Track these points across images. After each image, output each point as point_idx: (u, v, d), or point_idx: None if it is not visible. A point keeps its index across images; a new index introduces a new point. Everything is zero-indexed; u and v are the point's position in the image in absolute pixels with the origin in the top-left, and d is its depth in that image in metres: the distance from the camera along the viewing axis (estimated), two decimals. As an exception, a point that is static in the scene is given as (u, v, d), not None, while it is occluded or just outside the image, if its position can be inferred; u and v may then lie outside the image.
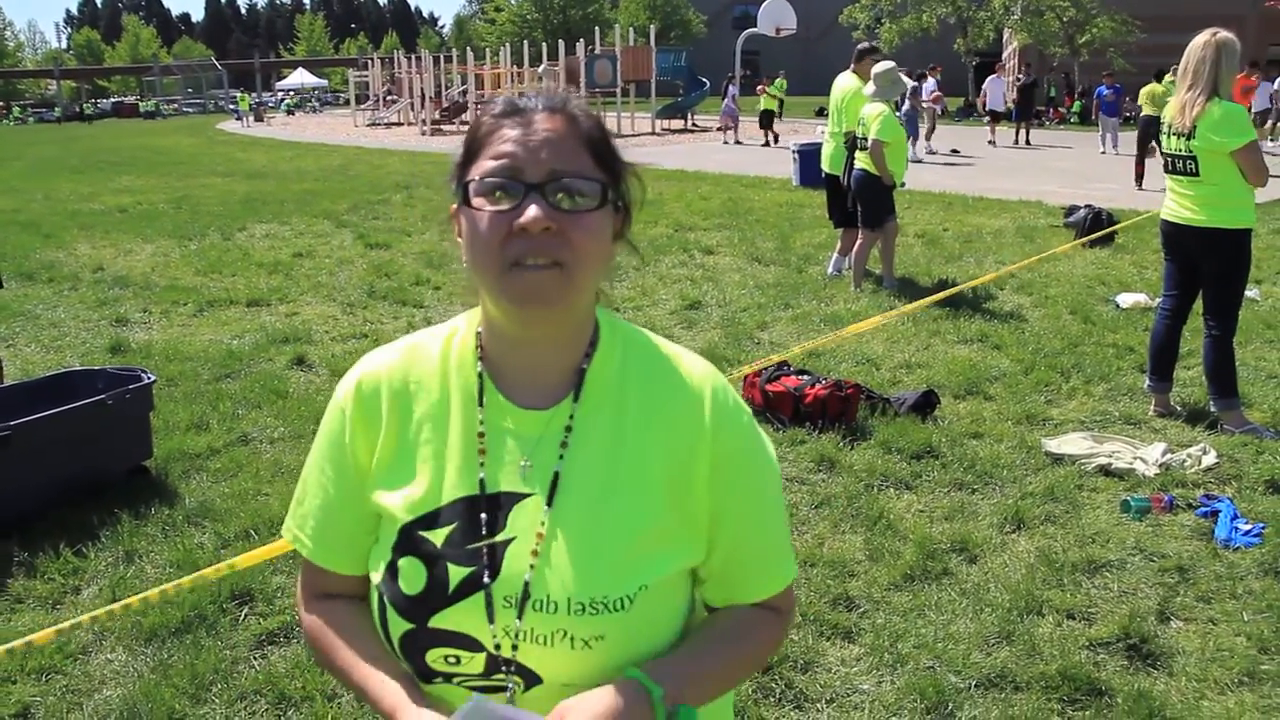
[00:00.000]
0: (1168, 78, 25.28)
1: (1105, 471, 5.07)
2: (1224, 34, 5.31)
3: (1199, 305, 5.75)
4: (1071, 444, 5.37)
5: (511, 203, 1.17)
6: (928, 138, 24.36)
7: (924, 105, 23.93)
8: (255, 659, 3.52)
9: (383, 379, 1.31)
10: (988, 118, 28.70)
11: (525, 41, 38.73)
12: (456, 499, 1.25)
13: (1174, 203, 5.62)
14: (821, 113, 34.59)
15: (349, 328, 7.96)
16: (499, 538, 1.23)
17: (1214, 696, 3.29)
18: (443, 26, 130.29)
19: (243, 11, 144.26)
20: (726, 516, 1.28)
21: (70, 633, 3.50)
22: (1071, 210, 12.63)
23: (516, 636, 1.20)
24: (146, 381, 4.95)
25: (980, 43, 46.70)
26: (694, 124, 36.77)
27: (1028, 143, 27.06)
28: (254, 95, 59.30)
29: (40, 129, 52.88)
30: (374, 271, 10.08)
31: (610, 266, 1.28)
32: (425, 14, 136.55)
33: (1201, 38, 5.34)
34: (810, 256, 10.83)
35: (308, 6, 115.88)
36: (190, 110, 66.13)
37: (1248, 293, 5.67)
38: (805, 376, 6.02)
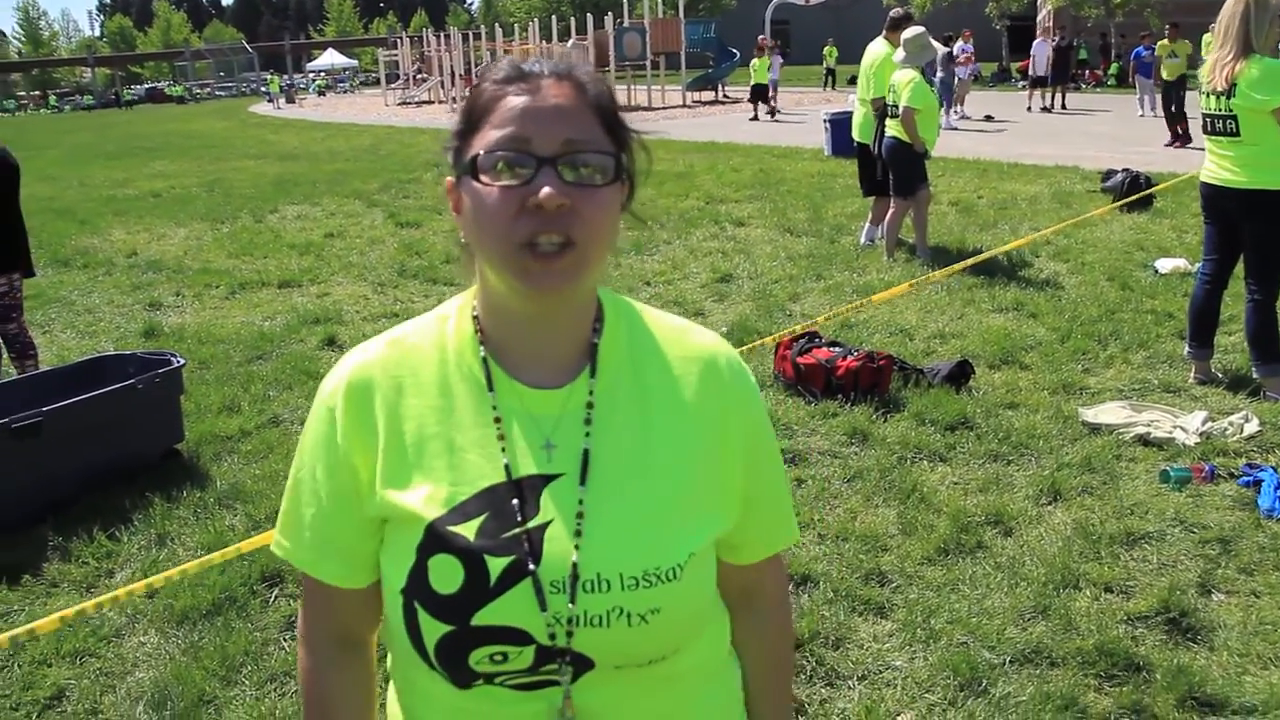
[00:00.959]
0: (1206, 37, 24.81)
1: (1144, 441, 4.97)
2: None
3: (1240, 270, 5.61)
4: (1109, 413, 5.28)
5: (522, 177, 1.11)
6: (960, 103, 24.04)
7: (957, 70, 23.61)
8: (285, 640, 3.53)
9: (373, 375, 1.23)
10: (1025, 83, 28.23)
11: (554, 16, 38.56)
12: (482, 489, 1.18)
13: (1214, 164, 5.48)
14: (853, 81, 34.28)
15: (380, 307, 7.97)
16: (534, 523, 1.16)
17: (1256, 671, 3.21)
18: (471, 4, 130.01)
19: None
20: (757, 480, 1.29)
21: (76, 620, 3.52)
22: (1109, 175, 12.41)
23: (570, 622, 1.14)
24: (177, 365, 4.96)
25: (1014, 6, 45.98)
26: (725, 95, 36.49)
27: (1064, 107, 26.63)
28: (284, 77, 59.52)
29: (76, 117, 53.44)
30: (405, 250, 10.08)
31: (617, 240, 1.22)
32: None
33: None
34: (842, 227, 10.73)
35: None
36: (222, 94, 66.54)
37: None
38: (837, 348, 5.95)
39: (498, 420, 1.20)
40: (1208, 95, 5.36)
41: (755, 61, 26.58)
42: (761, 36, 29.05)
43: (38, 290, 8.60)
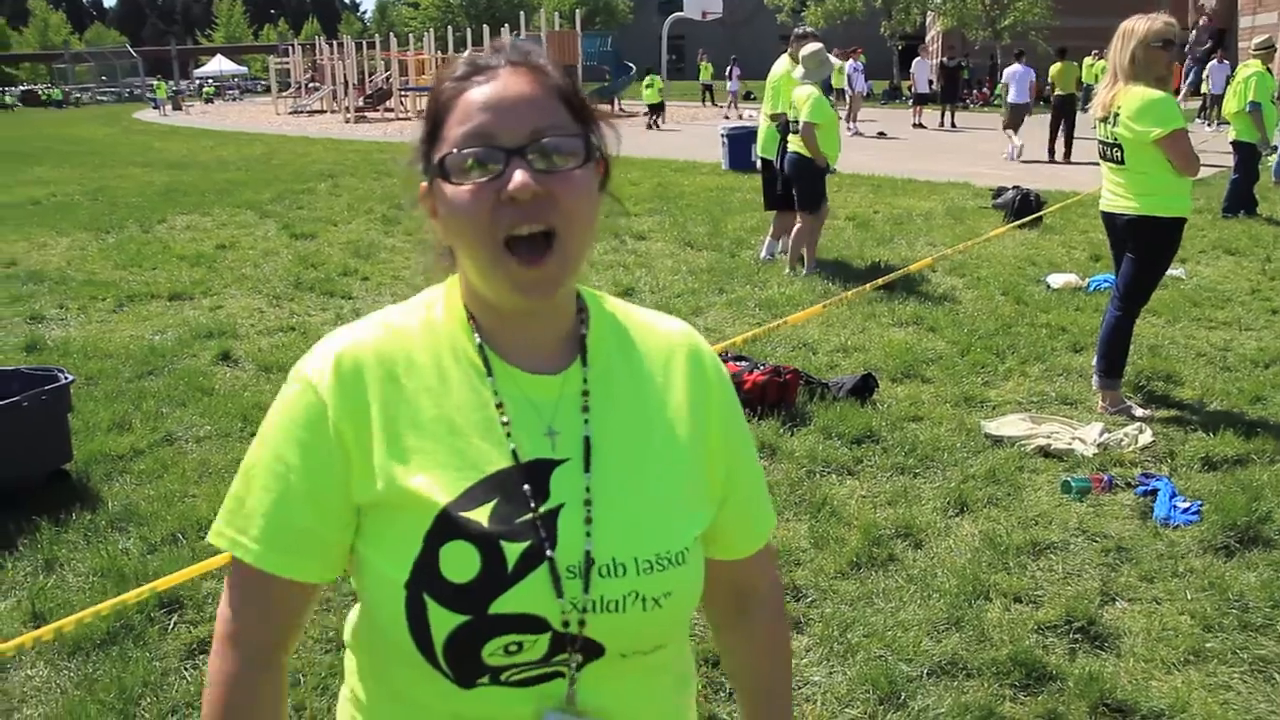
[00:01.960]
0: (1087, 60, 25.76)
1: (1045, 452, 5.09)
2: (1130, 20, 5.28)
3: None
4: (1010, 425, 5.39)
5: (493, 172, 1.10)
6: (850, 120, 24.54)
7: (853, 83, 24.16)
8: (187, 669, 3.38)
9: (365, 354, 1.18)
10: (912, 100, 29.01)
11: (449, 27, 38.26)
12: (491, 473, 1.15)
13: (1107, 190, 5.62)
14: (749, 96, 34.72)
15: (276, 321, 7.76)
16: (546, 507, 1.15)
17: (1162, 676, 3.29)
18: (364, 12, 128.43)
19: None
20: (739, 465, 1.31)
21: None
22: (1000, 191, 12.77)
23: (584, 609, 1.13)
24: (64, 382, 4.75)
25: (907, 26, 47.13)
26: (621, 109, 36.61)
27: (953, 125, 27.36)
28: (171, 83, 57.97)
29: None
30: (300, 262, 9.85)
31: (598, 224, 1.21)
32: (347, 0, 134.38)
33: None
34: (742, 241, 10.81)
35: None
36: (105, 99, 64.45)
37: (1173, 271, 5.74)
38: (743, 362, 5.97)
39: (500, 406, 1.18)
40: (1098, 122, 5.51)
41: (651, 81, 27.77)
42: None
43: (-91, 302, 8.18)
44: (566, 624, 1.12)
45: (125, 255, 10.32)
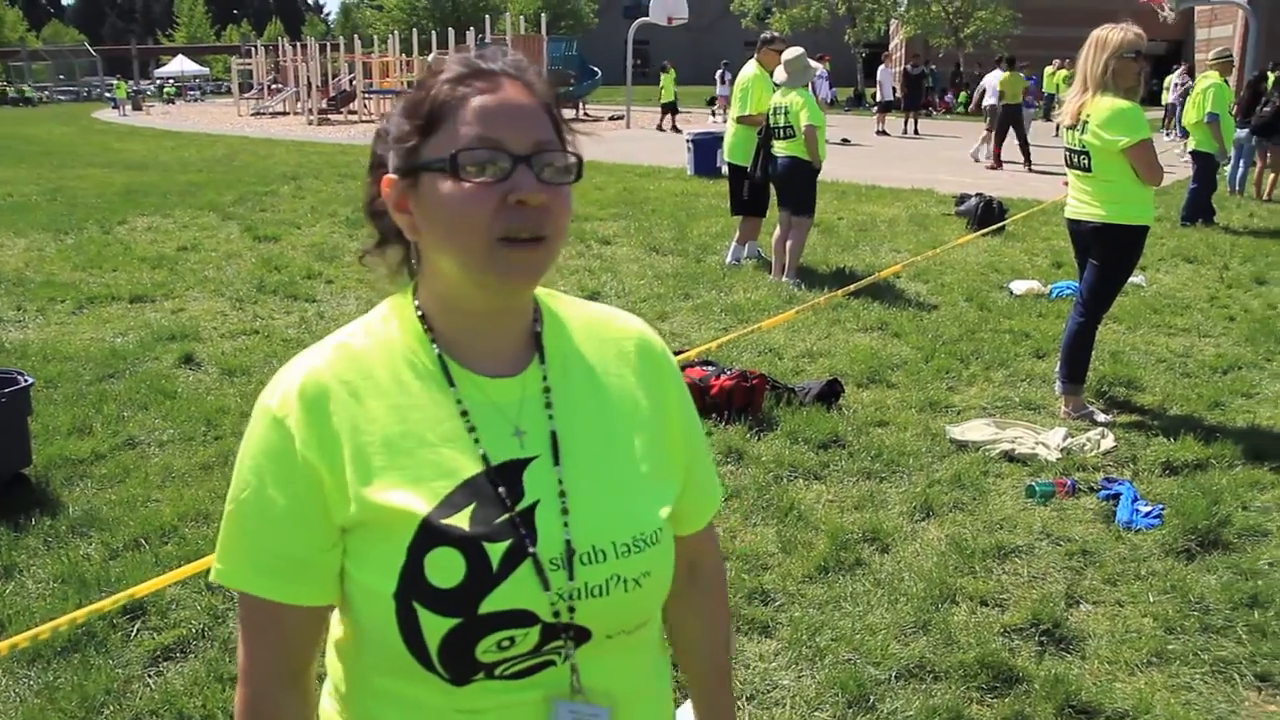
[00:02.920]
0: (1048, 69, 26.08)
1: (1009, 457, 5.13)
2: (1102, 29, 5.35)
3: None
4: (975, 430, 5.43)
5: (499, 174, 1.14)
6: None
7: (817, 89, 24.29)
8: (150, 676, 3.33)
9: (326, 380, 1.20)
10: (876, 108, 29.21)
11: (414, 30, 38.09)
12: (464, 479, 1.18)
13: (1073, 198, 5.68)
14: (712, 102, 34.78)
15: (239, 324, 7.69)
16: (522, 505, 1.19)
17: (1125, 678, 3.33)
18: (328, 14, 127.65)
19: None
20: (692, 446, 1.38)
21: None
22: (963, 199, 12.89)
23: (571, 597, 1.17)
24: (23, 384, 4.68)
25: (871, 34, 47.48)
26: (585, 114, 36.61)
27: (916, 132, 27.58)
28: (132, 83, 57.27)
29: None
30: (263, 265, 9.77)
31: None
32: (310, 0, 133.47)
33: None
34: (708, 246, 10.83)
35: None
36: (63, 98, 63.58)
37: (1133, 279, 5.83)
38: (710, 367, 5.99)
39: (465, 413, 1.21)
40: (1065, 130, 5.57)
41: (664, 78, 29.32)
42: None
43: None
44: (556, 614, 1.16)
45: (85, 256, 10.19)
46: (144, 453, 5.18)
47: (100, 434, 5.37)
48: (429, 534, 1.15)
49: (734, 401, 5.68)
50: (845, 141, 24.26)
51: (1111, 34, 5.28)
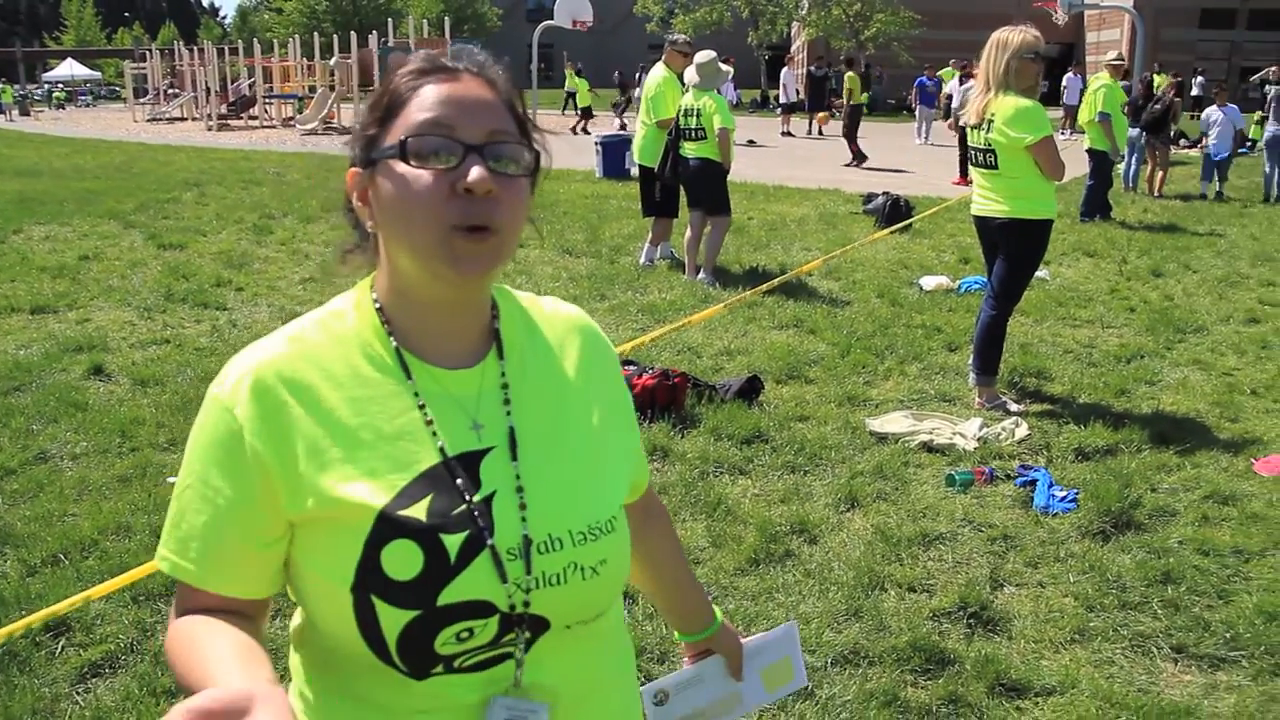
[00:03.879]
0: (944, 71, 26.65)
1: (928, 448, 5.26)
2: (1004, 31, 5.52)
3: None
4: (893, 423, 5.55)
5: (450, 162, 1.15)
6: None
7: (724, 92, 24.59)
8: (78, 694, 3.25)
9: (279, 370, 1.19)
10: (780, 109, 29.60)
11: (315, 33, 37.49)
12: (422, 471, 1.19)
13: (979, 195, 5.85)
14: (619, 105, 34.89)
15: (148, 333, 7.50)
16: (479, 496, 1.20)
17: (1051, 655, 3.45)
18: (225, 17, 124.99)
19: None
20: (631, 424, 1.43)
21: None
22: (870, 197, 13.13)
23: (528, 588, 1.18)
24: (-71, 398, 4.52)
25: (774, 36, 48.03)
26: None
27: (820, 133, 27.99)
28: (17, 87, 55.38)
29: None
30: (170, 273, 9.54)
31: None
32: (205, 3, 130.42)
33: (993, 35, 5.58)
34: (620, 247, 10.87)
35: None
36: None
37: (1038, 273, 6.03)
38: (632, 366, 6.02)
39: (422, 406, 1.22)
40: (972, 129, 5.72)
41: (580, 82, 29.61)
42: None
43: None
44: (513, 605, 1.17)
45: (-21, 267, 9.84)
46: (56, 466, 5.04)
47: (9, 449, 5.20)
48: (386, 526, 1.14)
49: (657, 400, 5.72)
50: (751, 143, 24.51)
51: (1011, 35, 5.45)
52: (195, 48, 38.18)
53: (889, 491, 4.77)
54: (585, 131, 28.26)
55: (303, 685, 1.30)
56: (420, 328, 1.24)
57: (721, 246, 9.36)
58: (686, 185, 9.19)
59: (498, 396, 1.26)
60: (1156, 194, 14.98)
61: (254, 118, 33.59)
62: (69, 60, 67.10)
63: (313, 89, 32.40)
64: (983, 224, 5.86)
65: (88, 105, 56.81)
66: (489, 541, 1.16)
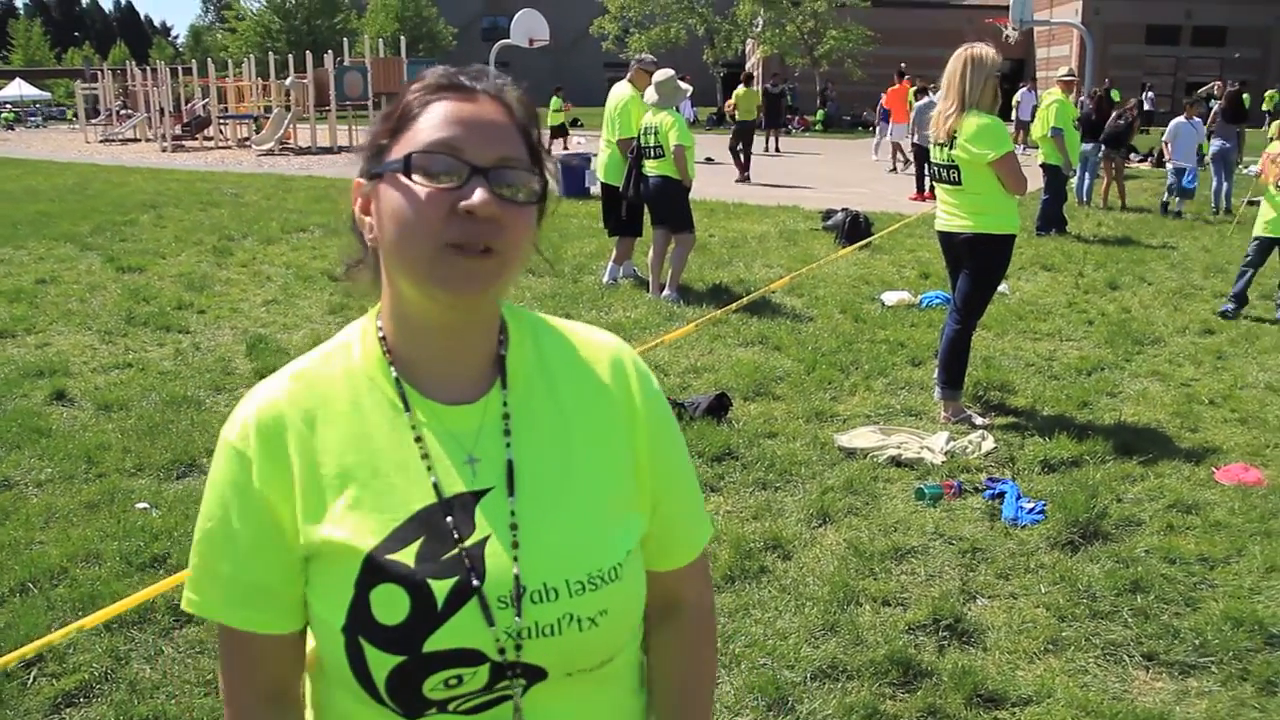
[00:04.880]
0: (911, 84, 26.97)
1: (896, 462, 5.31)
2: (976, 48, 5.59)
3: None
4: (861, 438, 5.61)
5: (454, 181, 1.12)
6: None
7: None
8: (52, 724, 3.22)
9: (282, 410, 1.20)
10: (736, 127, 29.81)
11: (270, 53, 37.29)
12: (414, 511, 1.17)
13: (942, 211, 5.92)
14: (576, 123, 35.00)
15: (110, 357, 7.42)
16: (471, 540, 1.16)
17: (1026, 666, 3.50)
18: (176, 37, 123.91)
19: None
20: (665, 478, 1.31)
21: None
22: (829, 214, 13.25)
23: (519, 636, 1.14)
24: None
25: (729, 54, 48.36)
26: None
27: (777, 149, 28.19)
28: (-35, 109, 54.65)
29: None
30: (130, 296, 9.44)
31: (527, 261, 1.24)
32: (156, 23, 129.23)
33: (956, 52, 5.64)
34: (583, 266, 10.89)
35: (22, 12, 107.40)
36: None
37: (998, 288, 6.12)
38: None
39: (418, 440, 1.19)
40: (936, 146, 5.80)
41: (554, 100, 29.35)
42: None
43: None
44: (503, 652, 1.14)
45: (-67, 292, 9.69)
46: (21, 494, 4.97)
47: (-29, 476, 5.13)
48: (373, 570, 1.14)
49: (627, 418, 5.73)
50: (710, 160, 24.64)
51: (986, 53, 5.53)
52: (148, 67, 37.86)
53: (860, 506, 4.82)
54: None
55: (312, 708, 1.31)
56: (421, 355, 1.22)
57: (686, 264, 9.41)
58: (649, 203, 9.25)
59: (499, 428, 1.22)
60: (1121, 207, 15.26)
61: (209, 138, 33.32)
62: (17, 80, 66.19)
63: (268, 109, 32.18)
64: (946, 239, 5.94)
65: (37, 126, 56.06)
66: (476, 585, 1.14)
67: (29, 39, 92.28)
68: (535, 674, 1.16)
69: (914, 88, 19.46)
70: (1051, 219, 12.95)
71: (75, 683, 3.40)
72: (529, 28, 31.41)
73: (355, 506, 1.16)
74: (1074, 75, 13.32)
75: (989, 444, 5.48)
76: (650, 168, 9.00)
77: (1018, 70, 37.63)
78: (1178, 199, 15.23)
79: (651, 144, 8.90)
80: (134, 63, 45.09)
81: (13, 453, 5.47)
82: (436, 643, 1.12)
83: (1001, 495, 4.81)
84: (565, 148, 28.51)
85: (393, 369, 1.21)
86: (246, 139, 32.11)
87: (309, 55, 31.09)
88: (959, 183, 5.69)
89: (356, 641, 1.13)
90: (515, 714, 1.17)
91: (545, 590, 1.15)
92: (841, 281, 10.00)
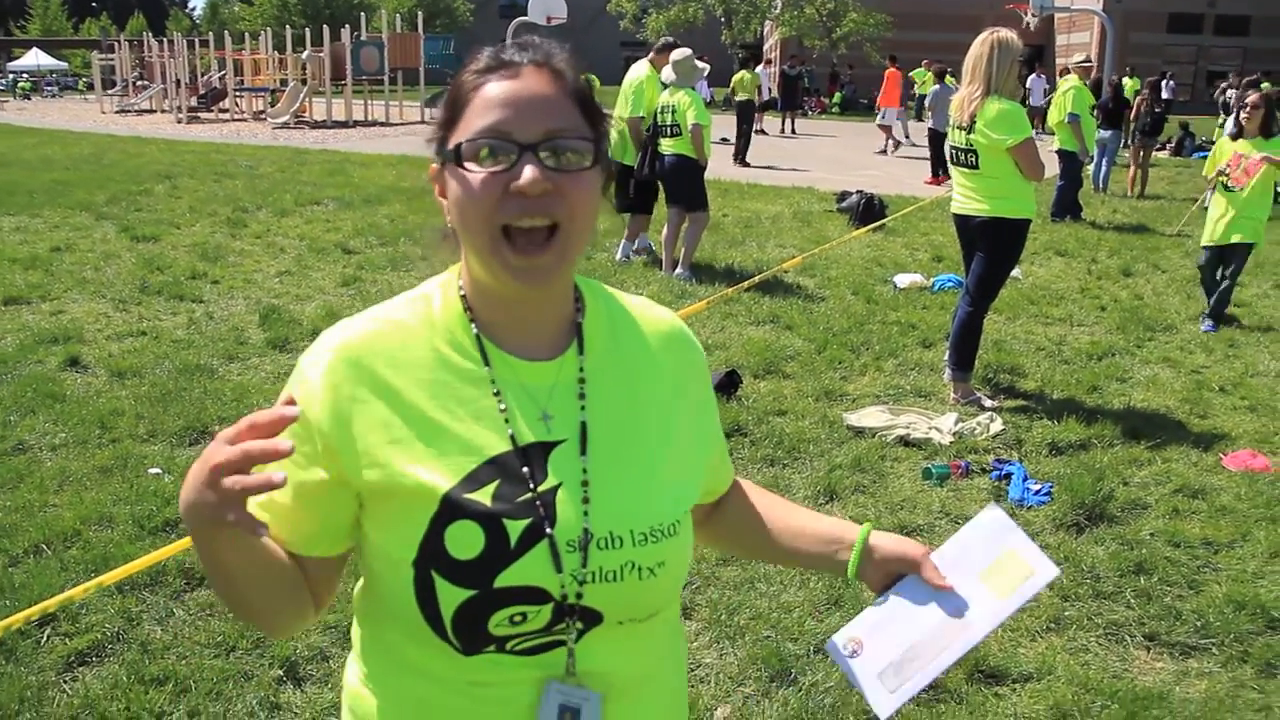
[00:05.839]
0: (917, 72, 26.84)
1: (904, 441, 5.33)
2: (1002, 33, 5.59)
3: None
4: (870, 417, 5.63)
5: (505, 163, 1.16)
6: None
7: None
8: (66, 682, 3.26)
9: (363, 350, 1.24)
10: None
11: (286, 26, 37.26)
12: (491, 457, 1.22)
13: (959, 194, 5.92)
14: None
15: (124, 325, 7.47)
16: (544, 487, 1.22)
17: (1028, 643, 3.53)
18: (194, 9, 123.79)
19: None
20: (716, 431, 1.46)
21: None
22: (844, 195, 13.22)
23: (582, 580, 1.20)
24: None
25: (748, 35, 48.14)
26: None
27: (794, 131, 28.11)
28: (-17, 78, 54.74)
29: None
30: (144, 266, 9.48)
31: (596, 222, 1.26)
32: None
33: (980, 36, 5.62)
34: (596, 243, 10.78)
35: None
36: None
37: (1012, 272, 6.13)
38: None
39: (497, 393, 1.24)
40: (954, 129, 5.79)
41: None
42: None
43: None
44: (566, 595, 1.19)
45: (-50, 258, 9.75)
46: (36, 457, 5.02)
47: (-13, 439, 5.19)
48: (451, 508, 1.18)
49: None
50: (725, 140, 24.57)
51: (1011, 38, 5.52)
52: (164, 39, 37.86)
53: (867, 484, 4.84)
54: None
55: (360, 654, 1.35)
56: (499, 318, 1.27)
57: (699, 242, 9.42)
58: (664, 181, 9.27)
59: (573, 390, 1.27)
60: (1140, 195, 15.19)
61: (225, 110, 33.34)
62: (34, 50, 66.26)
63: (284, 82, 32.17)
64: (962, 222, 5.94)
65: (54, 96, 56.16)
66: (549, 531, 1.19)
67: (47, 9, 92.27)
68: (592, 618, 1.22)
69: (931, 70, 19.38)
70: (1067, 205, 12.91)
71: (88, 642, 3.44)
72: (546, 6, 31.29)
73: (433, 447, 1.21)
74: (1090, 61, 13.24)
75: (997, 425, 5.50)
76: (666, 146, 9.00)
77: (1037, 56, 37.40)
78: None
79: (669, 122, 8.90)
80: (151, 34, 45.06)
81: (27, 417, 5.52)
82: (507, 579, 1.17)
83: (1008, 476, 4.83)
84: None
85: (473, 325, 1.26)
86: (262, 112, 32.13)
87: (325, 29, 31.09)
88: (976, 166, 5.68)
89: (428, 575, 1.18)
90: (569, 658, 1.22)
91: (611, 538, 1.22)
92: (854, 263, 9.99)
